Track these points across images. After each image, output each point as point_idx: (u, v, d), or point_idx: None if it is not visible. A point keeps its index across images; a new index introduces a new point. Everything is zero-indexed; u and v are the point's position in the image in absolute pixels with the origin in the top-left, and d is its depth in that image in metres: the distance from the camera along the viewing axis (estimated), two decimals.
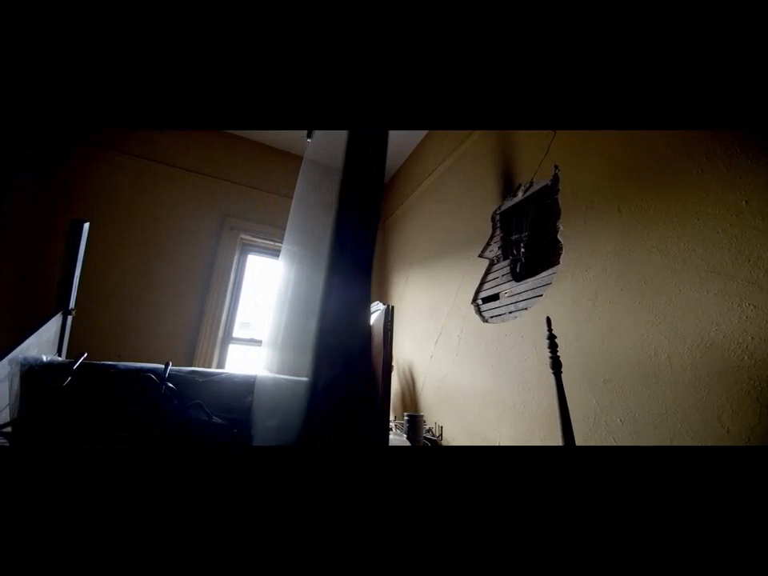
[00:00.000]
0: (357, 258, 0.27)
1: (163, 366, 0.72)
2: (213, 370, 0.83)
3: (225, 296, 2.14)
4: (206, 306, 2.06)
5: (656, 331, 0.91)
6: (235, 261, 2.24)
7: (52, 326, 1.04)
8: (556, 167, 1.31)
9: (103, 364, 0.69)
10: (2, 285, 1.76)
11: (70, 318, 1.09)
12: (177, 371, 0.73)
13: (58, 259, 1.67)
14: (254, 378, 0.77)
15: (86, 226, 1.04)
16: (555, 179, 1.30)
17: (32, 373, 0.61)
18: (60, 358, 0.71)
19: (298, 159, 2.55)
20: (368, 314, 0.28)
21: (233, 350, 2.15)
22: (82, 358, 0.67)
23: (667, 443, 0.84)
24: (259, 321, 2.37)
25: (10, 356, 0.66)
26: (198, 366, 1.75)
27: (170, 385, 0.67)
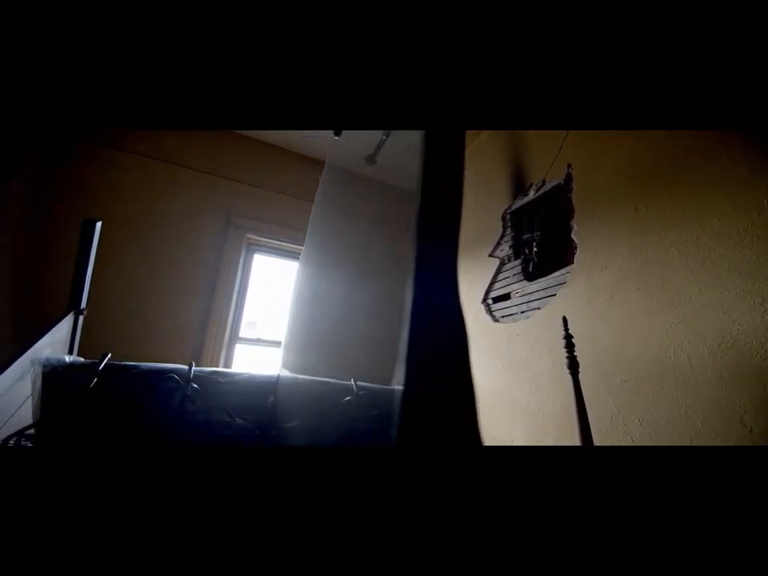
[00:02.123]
0: (442, 267, 0.26)
1: (186, 367, 0.71)
2: (234, 370, 0.82)
3: (231, 296, 2.12)
4: (212, 306, 2.04)
5: (675, 331, 0.91)
6: (241, 260, 2.22)
7: (64, 326, 1.03)
8: (569, 166, 1.31)
9: (125, 365, 0.69)
10: (1, 285, 1.74)
11: (81, 318, 1.08)
12: (199, 372, 0.72)
13: (60, 258, 1.65)
14: (276, 378, 0.77)
15: (99, 225, 1.03)
16: (568, 178, 1.30)
17: (55, 373, 0.61)
18: (82, 359, 0.70)
19: (301, 158, 2.53)
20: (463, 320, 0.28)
21: (239, 349, 2.13)
22: (107, 359, 0.66)
23: (687, 444, 0.84)
24: (266, 321, 2.35)
25: (30, 356, 0.65)
26: (204, 366, 1.73)
27: (195, 386, 0.67)
